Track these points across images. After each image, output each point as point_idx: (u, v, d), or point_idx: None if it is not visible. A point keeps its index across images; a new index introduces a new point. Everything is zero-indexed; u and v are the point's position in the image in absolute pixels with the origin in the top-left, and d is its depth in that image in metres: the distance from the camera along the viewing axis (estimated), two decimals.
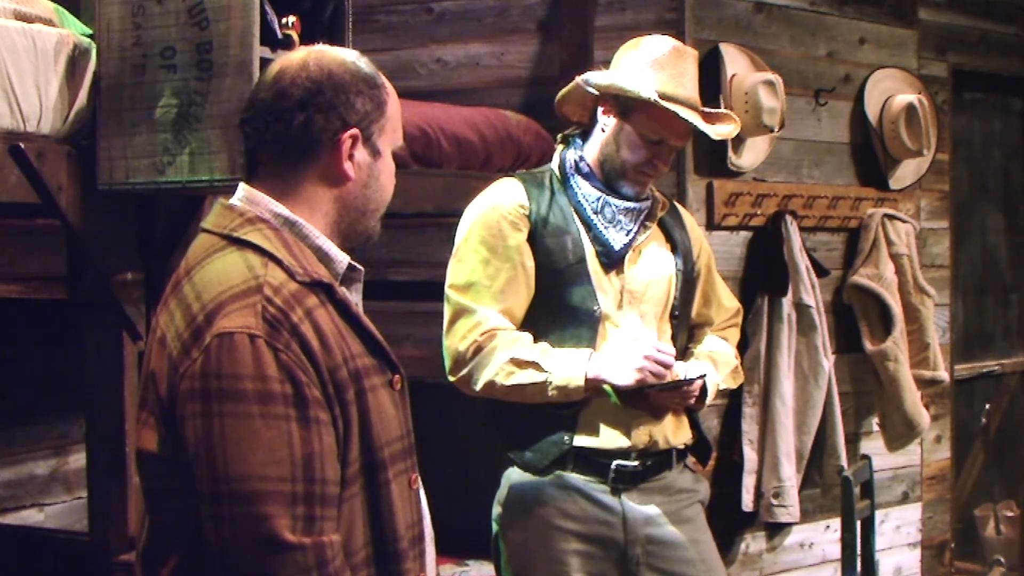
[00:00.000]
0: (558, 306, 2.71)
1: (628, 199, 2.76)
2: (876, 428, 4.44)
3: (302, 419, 1.58)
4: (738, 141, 3.99)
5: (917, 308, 4.40)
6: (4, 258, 3.86)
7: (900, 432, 4.36)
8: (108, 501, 2.81)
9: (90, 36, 2.69)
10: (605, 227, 2.74)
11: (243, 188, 1.76)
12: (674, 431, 2.80)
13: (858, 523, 3.81)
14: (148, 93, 2.59)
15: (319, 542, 1.58)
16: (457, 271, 2.73)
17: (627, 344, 2.69)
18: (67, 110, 2.61)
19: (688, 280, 2.87)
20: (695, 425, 2.89)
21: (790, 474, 4.01)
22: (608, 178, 2.76)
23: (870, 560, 3.86)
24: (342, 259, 1.76)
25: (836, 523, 4.04)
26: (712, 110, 2.84)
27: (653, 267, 2.80)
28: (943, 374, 4.50)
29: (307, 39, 2.56)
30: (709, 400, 2.80)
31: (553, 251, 2.71)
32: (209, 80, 2.54)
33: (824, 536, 4.30)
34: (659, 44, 2.76)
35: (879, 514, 4.17)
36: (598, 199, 2.75)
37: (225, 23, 2.52)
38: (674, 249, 2.86)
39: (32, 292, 3.80)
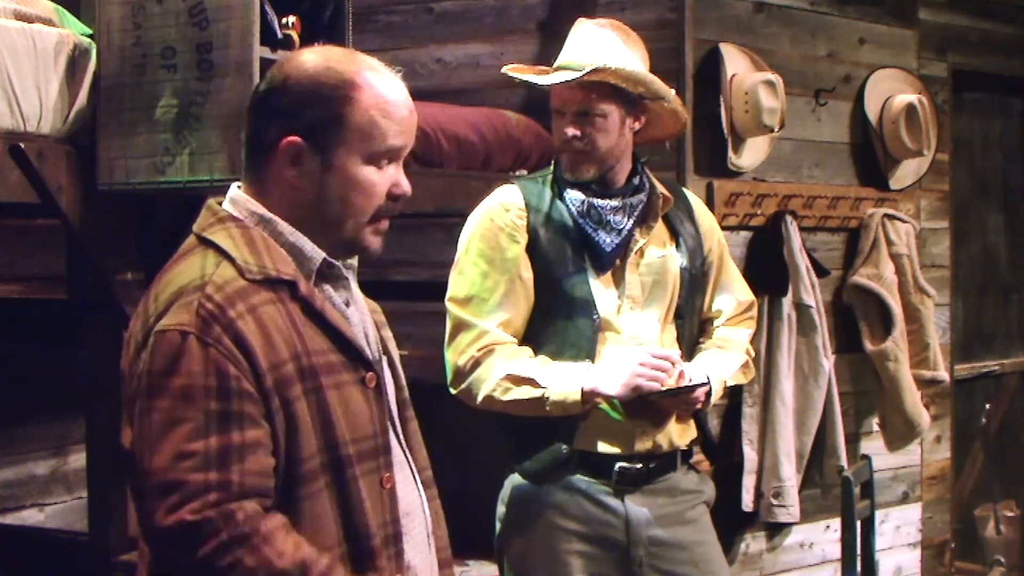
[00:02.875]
0: (557, 314, 2.70)
1: (613, 196, 2.72)
2: (876, 428, 4.43)
3: (223, 412, 1.59)
4: (738, 141, 3.99)
5: (917, 308, 4.39)
6: (4, 258, 3.85)
7: (900, 432, 4.36)
8: (108, 501, 2.81)
9: (90, 36, 2.69)
10: (594, 229, 2.71)
11: (233, 188, 1.78)
12: (679, 433, 2.78)
13: (858, 523, 3.80)
14: (148, 93, 2.60)
15: (226, 509, 1.57)
16: (457, 284, 2.73)
17: (626, 352, 2.67)
18: (67, 110, 2.61)
19: (695, 279, 2.83)
20: (700, 425, 2.87)
21: (790, 474, 4.01)
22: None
23: (870, 560, 3.86)
24: (316, 255, 1.75)
25: (836, 523, 4.04)
26: (599, 67, 2.68)
27: (656, 269, 2.77)
28: (943, 374, 4.50)
29: (307, 39, 2.56)
30: (715, 399, 2.77)
31: (551, 259, 2.70)
32: (209, 80, 2.54)
33: (824, 536, 4.30)
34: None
35: (879, 514, 4.17)
36: (582, 202, 2.72)
37: (225, 23, 2.52)
38: (679, 246, 2.81)
39: (32, 292, 3.80)
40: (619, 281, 2.74)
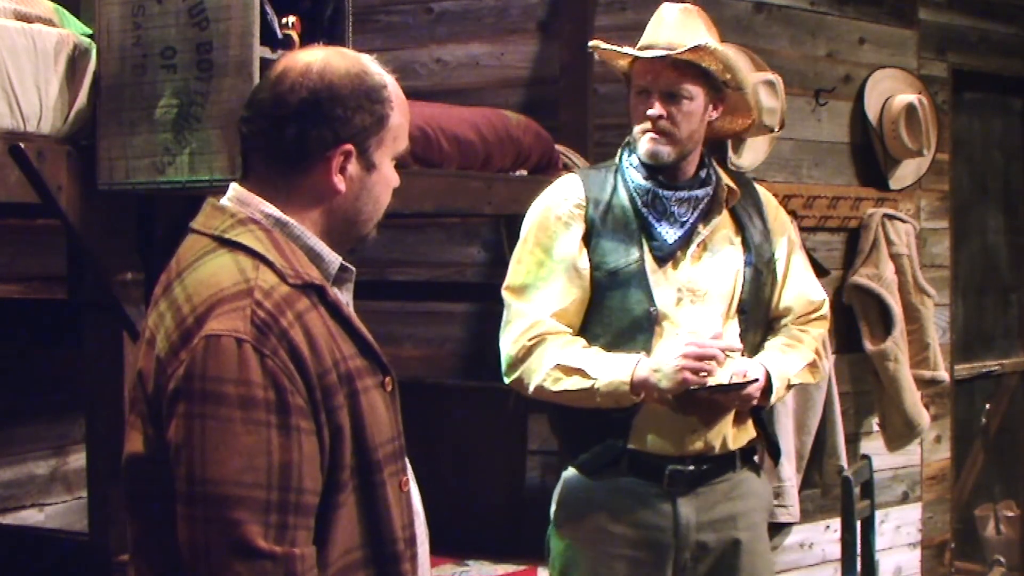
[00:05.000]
0: (613, 305, 2.66)
1: (679, 188, 2.68)
2: (876, 428, 4.44)
3: (283, 427, 1.57)
4: (738, 141, 3.99)
5: (917, 308, 4.40)
6: (4, 258, 3.86)
7: (900, 432, 4.36)
8: (108, 501, 2.80)
9: (90, 36, 2.68)
10: (657, 220, 2.67)
11: (234, 188, 1.75)
12: (734, 433, 2.71)
13: (858, 523, 3.81)
14: (148, 93, 2.59)
15: (290, 553, 1.56)
16: (513, 272, 2.72)
17: (674, 343, 2.61)
18: (67, 110, 2.61)
19: (760, 273, 2.75)
20: (760, 424, 2.78)
21: (790, 474, 4.01)
22: (634, 149, 2.69)
23: (870, 560, 3.86)
24: (334, 259, 1.75)
25: (836, 523, 4.04)
26: (701, 44, 2.64)
27: (718, 262, 2.70)
28: (943, 374, 4.50)
29: (307, 39, 2.56)
30: (776, 398, 2.69)
31: (608, 250, 2.66)
32: (209, 80, 2.54)
33: (824, 536, 4.30)
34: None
35: (879, 514, 4.17)
36: (647, 191, 2.68)
37: (225, 23, 2.52)
38: (745, 240, 2.75)
39: (32, 292, 3.80)
40: (680, 273, 2.68)
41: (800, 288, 2.84)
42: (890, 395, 4.32)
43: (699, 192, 2.70)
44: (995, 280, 5.42)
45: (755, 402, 2.63)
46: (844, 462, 4.11)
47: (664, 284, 2.67)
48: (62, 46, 2.59)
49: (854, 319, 4.34)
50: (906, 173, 4.52)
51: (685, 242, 2.69)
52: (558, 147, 3.82)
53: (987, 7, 4.93)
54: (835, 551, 4.11)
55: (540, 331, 2.64)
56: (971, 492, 5.27)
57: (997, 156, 5.40)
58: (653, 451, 2.66)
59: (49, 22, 2.63)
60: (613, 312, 2.67)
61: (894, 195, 4.49)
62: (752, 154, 4.05)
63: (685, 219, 2.68)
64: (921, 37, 4.63)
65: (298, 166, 1.71)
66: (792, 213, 4.08)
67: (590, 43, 2.77)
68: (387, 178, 1.78)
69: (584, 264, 2.67)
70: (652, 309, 2.64)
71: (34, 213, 3.11)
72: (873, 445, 4.41)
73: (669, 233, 2.67)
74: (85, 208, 2.66)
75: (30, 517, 4.22)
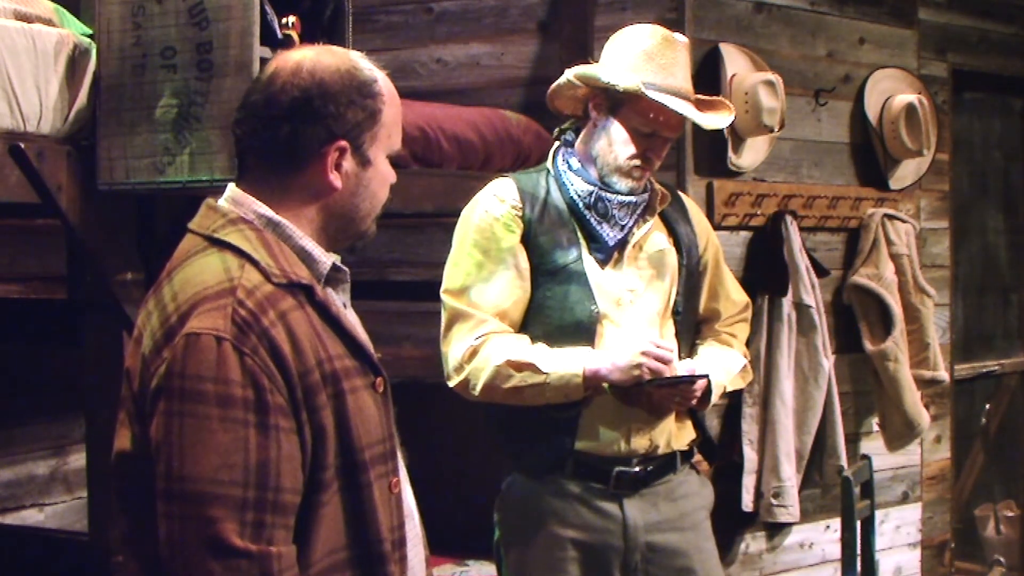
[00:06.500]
0: (555, 306, 2.68)
1: (623, 193, 2.72)
2: (876, 428, 4.43)
3: (261, 425, 1.58)
4: (738, 141, 3.99)
5: (917, 308, 4.40)
6: (4, 258, 3.86)
7: (900, 432, 4.36)
8: (108, 501, 2.80)
9: (90, 36, 2.69)
10: (598, 222, 2.70)
11: (231, 188, 1.76)
12: (676, 434, 2.76)
13: (858, 523, 3.81)
14: (148, 93, 2.60)
15: (265, 551, 1.57)
16: (452, 275, 2.71)
17: (629, 338, 2.65)
18: (67, 110, 2.61)
19: (692, 275, 2.82)
20: (699, 425, 2.85)
21: (790, 474, 4.01)
22: (602, 173, 2.72)
23: (870, 560, 3.86)
24: (325, 260, 1.75)
25: (836, 523, 4.04)
26: (706, 98, 2.80)
27: (654, 261, 2.75)
28: (943, 374, 4.50)
29: (307, 39, 2.56)
30: (713, 401, 2.76)
31: (547, 251, 2.68)
32: (209, 80, 2.54)
33: (824, 536, 4.30)
34: (647, 34, 2.71)
35: (879, 514, 4.17)
36: (590, 194, 2.71)
37: (225, 23, 2.52)
38: (677, 243, 2.80)
39: (32, 292, 3.80)
40: (619, 274, 2.72)
41: (728, 292, 2.94)
42: (890, 395, 4.31)
43: (638, 199, 2.74)
44: (995, 280, 5.42)
45: (694, 403, 2.69)
46: (844, 462, 4.11)
47: (604, 284, 2.70)
48: (62, 46, 2.59)
49: (854, 319, 4.34)
50: (906, 173, 4.51)
51: (623, 243, 2.73)
52: None
53: (987, 7, 4.93)
54: (835, 551, 4.11)
55: (485, 331, 2.64)
56: (971, 492, 5.27)
57: (997, 156, 5.40)
58: (599, 452, 2.68)
59: (49, 22, 2.63)
60: (553, 312, 2.68)
61: (894, 195, 4.49)
62: (752, 154, 4.05)
63: (624, 222, 2.72)
64: (921, 37, 4.63)
65: (293, 164, 1.72)
66: (792, 213, 4.09)
67: (640, 83, 2.64)
68: (383, 174, 1.79)
69: (525, 264, 2.69)
70: (594, 308, 2.67)
71: (34, 213, 3.11)
72: (873, 445, 4.40)
73: (609, 235, 2.71)
74: (85, 208, 2.66)
75: (30, 517, 4.22)
